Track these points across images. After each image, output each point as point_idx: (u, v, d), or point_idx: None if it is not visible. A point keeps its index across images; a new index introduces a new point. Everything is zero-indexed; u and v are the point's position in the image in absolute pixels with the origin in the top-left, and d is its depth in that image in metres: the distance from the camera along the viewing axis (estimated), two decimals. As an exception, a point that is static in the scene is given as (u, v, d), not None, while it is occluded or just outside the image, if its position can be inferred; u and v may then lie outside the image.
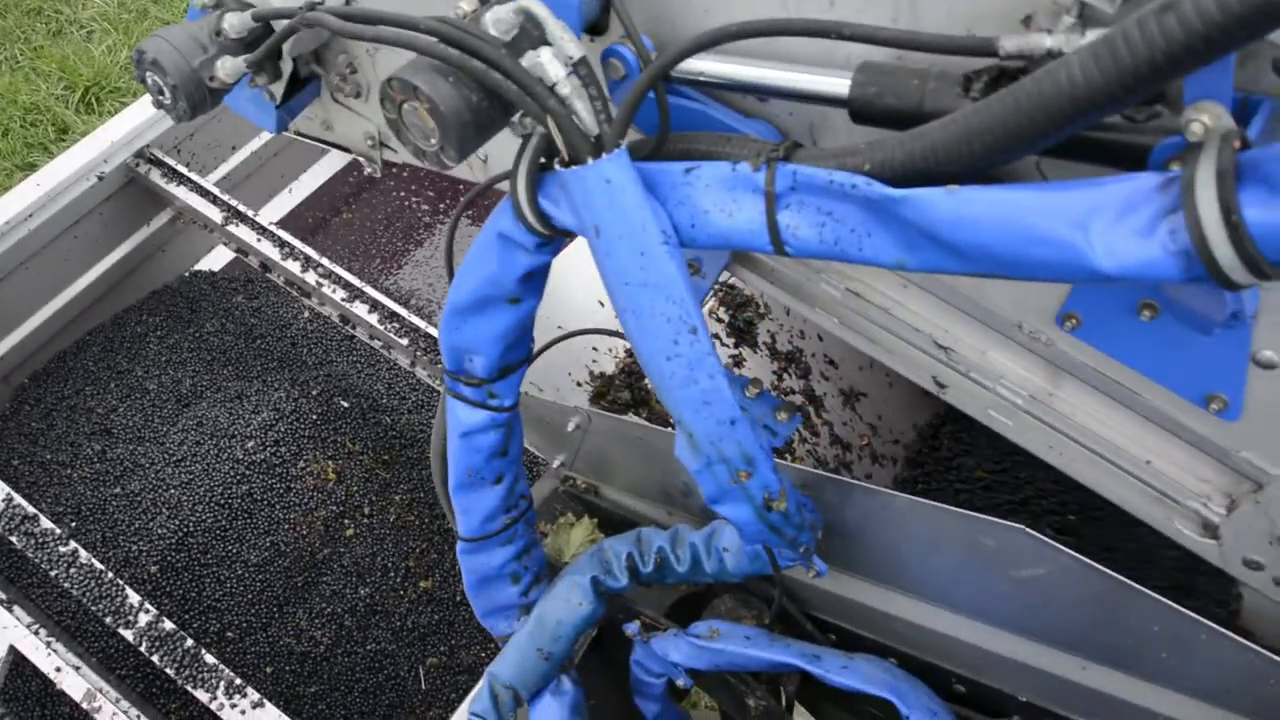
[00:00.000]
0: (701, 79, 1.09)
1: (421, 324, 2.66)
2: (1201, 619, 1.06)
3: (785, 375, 2.52)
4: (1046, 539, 1.21)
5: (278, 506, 2.66)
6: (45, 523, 2.32)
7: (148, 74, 1.46)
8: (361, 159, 1.92)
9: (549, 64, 0.96)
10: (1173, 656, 1.16)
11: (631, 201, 0.98)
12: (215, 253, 3.45)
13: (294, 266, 2.81)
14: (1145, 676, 1.24)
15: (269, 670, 2.55)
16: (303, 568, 2.63)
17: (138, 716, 2.15)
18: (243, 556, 2.60)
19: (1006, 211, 0.80)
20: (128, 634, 2.21)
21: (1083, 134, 0.82)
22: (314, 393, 2.86)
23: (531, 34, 1.00)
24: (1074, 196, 0.77)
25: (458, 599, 2.70)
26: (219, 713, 2.11)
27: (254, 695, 2.11)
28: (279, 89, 1.63)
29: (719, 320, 2.56)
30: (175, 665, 2.16)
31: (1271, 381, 0.93)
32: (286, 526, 2.64)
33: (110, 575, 2.26)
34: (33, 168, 4.38)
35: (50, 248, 2.94)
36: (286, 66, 1.58)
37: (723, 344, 2.55)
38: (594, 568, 1.61)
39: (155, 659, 2.18)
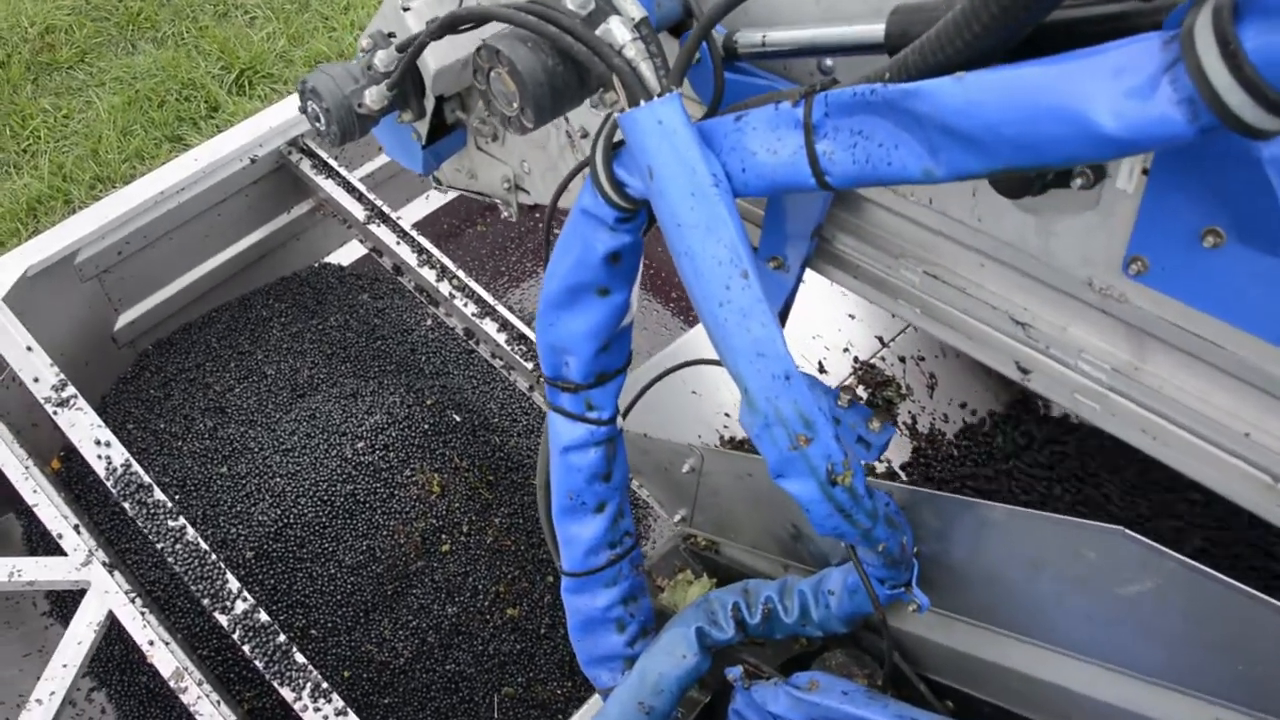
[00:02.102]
0: (756, 50, 1.15)
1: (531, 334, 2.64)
2: None
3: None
4: (1150, 542, 1.13)
5: (379, 512, 2.65)
6: (159, 494, 2.33)
7: (308, 102, 1.60)
8: (499, 203, 2.00)
9: (616, 29, 1.06)
10: None
11: (683, 143, 1.02)
12: (346, 248, 3.49)
13: (429, 274, 2.82)
14: None
15: (346, 675, 2.52)
16: (395, 577, 2.61)
17: (218, 702, 2.13)
18: (338, 556, 2.59)
19: (1012, 87, 0.81)
20: (223, 619, 2.19)
21: (1095, 16, 0.83)
22: (428, 402, 2.85)
23: (605, 10, 1.10)
24: (1077, 65, 0.77)
25: (542, 631, 2.66)
26: (301, 713, 2.08)
27: (338, 702, 2.09)
28: (424, 128, 1.73)
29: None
30: (265, 658, 2.15)
31: None
32: (385, 533, 2.62)
33: (213, 557, 2.25)
34: (180, 140, 4.50)
35: (195, 221, 3.01)
36: (429, 104, 1.68)
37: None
38: (699, 619, 1.56)
39: (246, 648, 2.16)
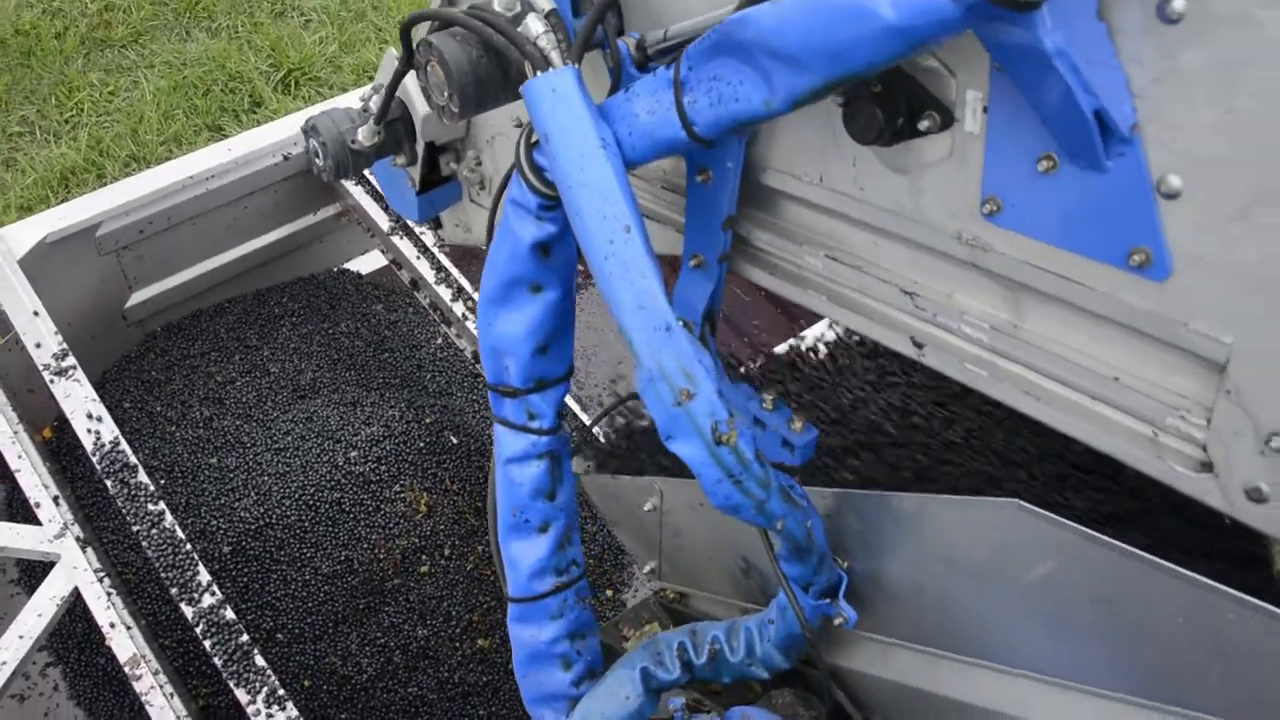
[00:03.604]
0: (662, 46, 1.21)
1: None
2: None
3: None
4: (1043, 512, 1.12)
5: (363, 524, 2.61)
6: (142, 476, 2.31)
7: (310, 139, 1.70)
8: None
9: (532, 23, 1.17)
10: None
11: (574, 108, 1.11)
12: (367, 256, 3.48)
13: (445, 292, 2.81)
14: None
15: (306, 684, 2.48)
16: (369, 591, 2.57)
17: (172, 695, 2.09)
18: (314, 563, 2.56)
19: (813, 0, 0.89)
20: (188, 610, 2.16)
21: None
22: (427, 420, 2.82)
23: (527, 9, 1.21)
24: None
25: (510, 667, 2.60)
26: (252, 717, 2.04)
27: (292, 711, 2.04)
28: (417, 175, 1.81)
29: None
30: (225, 656, 2.11)
31: (1185, 215, 0.86)
32: (365, 546, 2.59)
33: (188, 547, 2.23)
34: (219, 129, 4.53)
35: (220, 211, 3.01)
36: (420, 149, 1.76)
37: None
38: (645, 659, 1.51)
39: (207, 644, 2.13)
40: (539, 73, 1.14)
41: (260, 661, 2.11)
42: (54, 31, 4.94)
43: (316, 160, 1.70)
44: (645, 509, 1.93)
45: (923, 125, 1.01)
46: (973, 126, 0.99)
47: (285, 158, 3.02)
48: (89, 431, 2.36)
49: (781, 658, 1.47)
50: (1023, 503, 1.14)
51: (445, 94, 1.27)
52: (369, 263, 3.46)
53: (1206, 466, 0.94)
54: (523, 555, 1.44)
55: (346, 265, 3.44)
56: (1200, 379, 0.94)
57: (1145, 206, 0.88)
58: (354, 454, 2.70)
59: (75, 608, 2.26)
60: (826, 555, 1.33)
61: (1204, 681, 1.05)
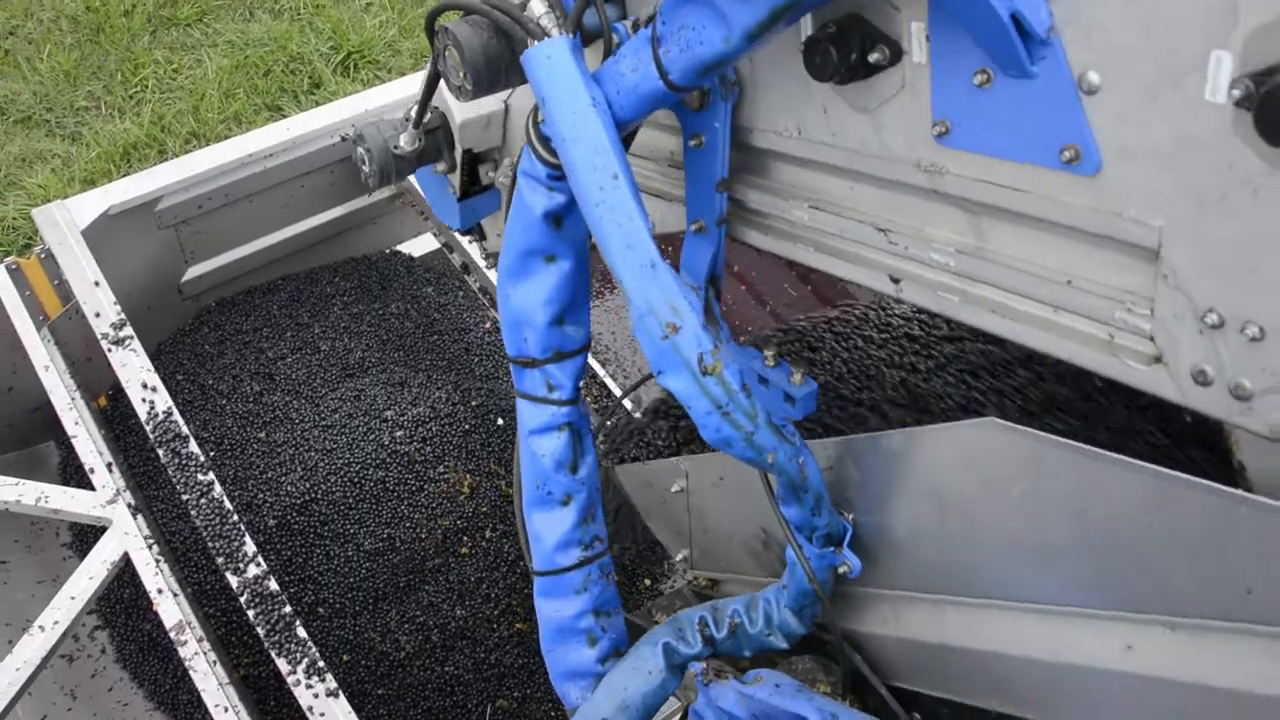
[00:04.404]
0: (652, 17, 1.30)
1: (599, 370, 2.62)
2: None
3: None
4: (1015, 426, 1.17)
5: (406, 503, 2.64)
6: (193, 446, 2.35)
7: (357, 146, 1.79)
8: None
9: (535, 5, 1.26)
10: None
11: (567, 72, 1.22)
12: (419, 239, 3.51)
13: (495, 277, 2.82)
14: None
15: (345, 659, 2.51)
16: (410, 570, 2.60)
17: (215, 663, 2.13)
18: (358, 539, 2.59)
19: None
20: (233, 579, 2.20)
21: None
22: (473, 403, 2.85)
23: None
24: None
25: (546, 651, 2.62)
26: (293, 687, 2.07)
27: (331, 683, 2.07)
28: (457, 181, 1.87)
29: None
30: (267, 626, 2.14)
31: (1106, 108, 0.93)
32: (408, 525, 2.62)
33: (235, 518, 2.26)
34: (278, 109, 4.59)
35: (277, 189, 3.04)
36: (459, 156, 1.83)
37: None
38: (667, 634, 1.53)
39: (251, 613, 2.16)
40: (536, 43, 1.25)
41: (302, 633, 2.14)
42: (123, 9, 5.03)
43: (363, 167, 1.79)
44: (673, 490, 1.97)
45: (873, 58, 1.11)
46: (919, 56, 1.09)
47: (342, 139, 3.03)
48: (143, 401, 2.40)
49: (796, 621, 1.50)
50: (997, 419, 1.20)
51: (460, 74, 1.37)
52: (421, 245, 3.49)
53: (1157, 359, 0.99)
54: (547, 528, 1.49)
55: (399, 247, 3.47)
56: (1141, 271, 1.00)
57: (1070, 105, 0.96)
58: (400, 433, 2.73)
59: (124, 573, 2.31)
60: (824, 497, 1.37)
61: (1182, 583, 1.07)
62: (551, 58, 1.23)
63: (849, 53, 1.12)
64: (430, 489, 2.68)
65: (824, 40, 1.13)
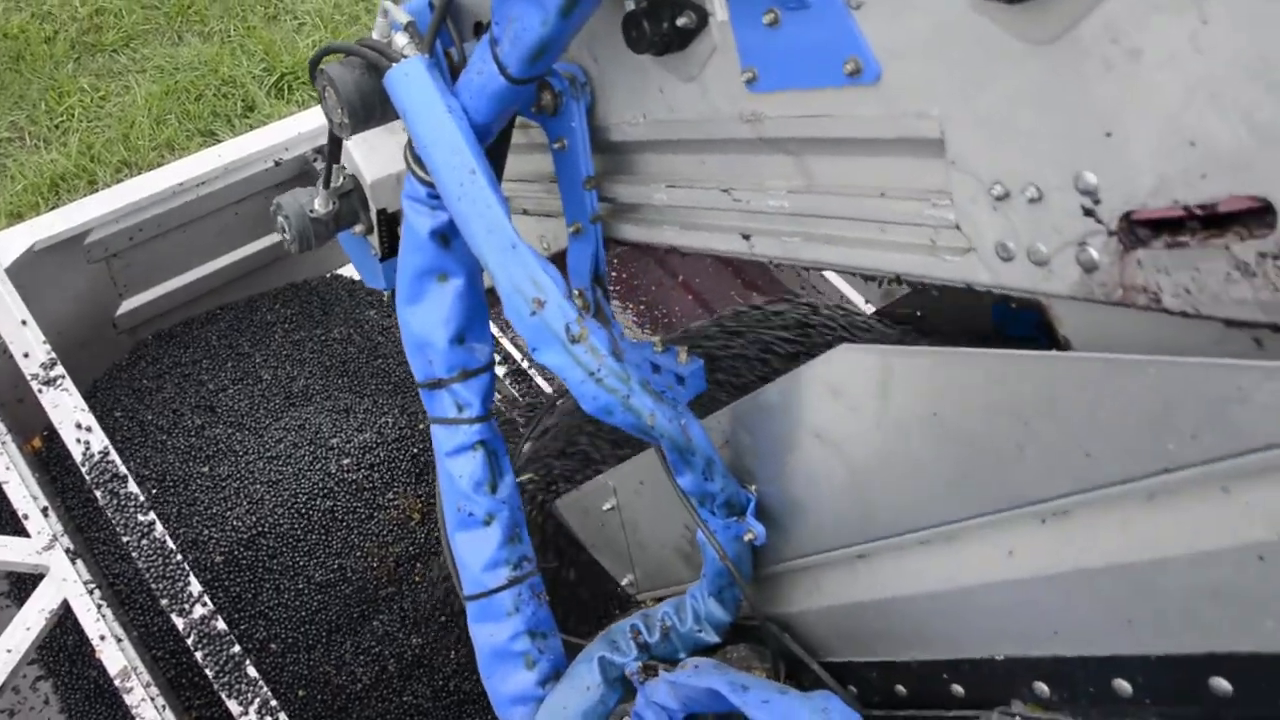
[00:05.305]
0: None
1: (548, 388, 2.59)
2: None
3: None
4: (863, 345, 1.26)
5: (356, 531, 2.60)
6: (132, 486, 2.28)
7: (278, 217, 1.81)
8: None
9: (398, 39, 1.38)
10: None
11: (423, 85, 1.32)
12: (360, 261, 3.45)
13: (438, 297, 2.78)
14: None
15: (300, 694, 2.46)
16: (363, 600, 2.55)
17: (164, 707, 2.06)
18: (308, 571, 2.54)
19: None
20: (179, 621, 2.13)
21: None
22: (421, 426, 2.80)
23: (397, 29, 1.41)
24: None
25: (505, 676, 2.58)
26: (245, 729, 2.01)
27: (285, 722, 2.02)
28: (377, 242, 1.89)
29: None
30: (216, 668, 2.08)
31: (874, 17, 1.02)
32: (359, 554, 2.57)
33: (179, 558, 2.20)
34: (212, 134, 4.51)
35: (211, 217, 2.98)
36: (374, 216, 1.85)
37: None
38: (601, 648, 1.52)
39: (199, 655, 2.10)
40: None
41: (252, 672, 2.08)
42: (44, 36, 4.92)
43: (284, 236, 1.82)
44: (605, 509, 1.97)
45: (681, 22, 1.21)
46: (721, 14, 1.19)
47: (277, 163, 2.97)
48: (78, 441, 2.33)
49: (719, 608, 1.51)
50: (848, 344, 1.27)
51: (339, 111, 1.46)
52: (362, 268, 3.43)
53: (970, 250, 1.05)
54: (471, 551, 1.48)
55: (339, 271, 3.40)
56: (936, 167, 1.06)
57: (844, 22, 1.05)
58: (347, 461, 2.68)
59: (65, 620, 2.23)
60: (715, 461, 1.38)
61: (1031, 464, 1.08)
62: (409, 74, 1.32)
63: (661, 22, 1.22)
64: (380, 516, 2.63)
65: (639, 14, 1.24)
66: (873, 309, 2.62)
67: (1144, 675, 1.08)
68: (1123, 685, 1.11)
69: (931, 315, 1.95)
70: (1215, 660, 1.00)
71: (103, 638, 2.11)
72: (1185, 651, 1.03)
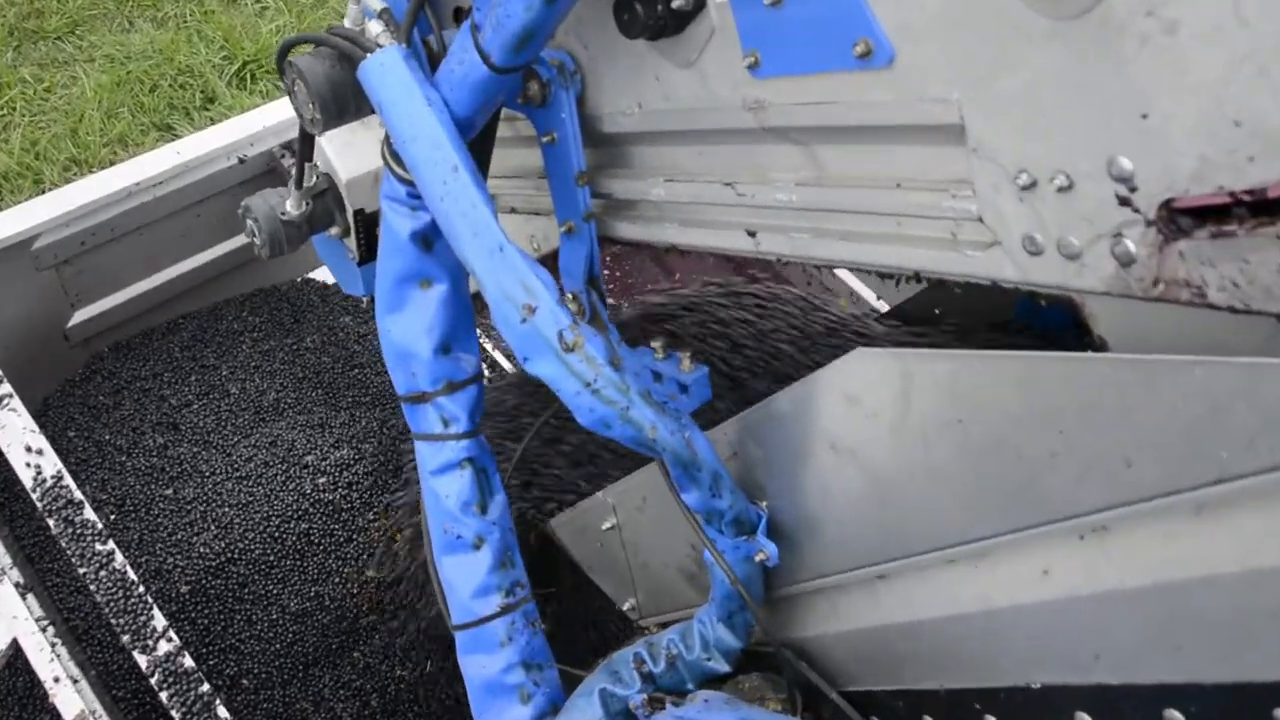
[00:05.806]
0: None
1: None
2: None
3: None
4: (881, 349, 1.21)
5: (333, 556, 2.48)
6: (89, 513, 2.15)
7: (247, 220, 1.73)
8: None
9: (372, 27, 1.32)
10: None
11: (400, 77, 1.26)
12: (331, 264, 3.30)
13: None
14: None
15: (276, 734, 2.30)
16: (342, 630, 2.43)
17: (126, 757, 1.92)
18: (282, 601, 2.41)
19: None
20: (142, 659, 2.02)
21: None
22: (405, 445, 2.67)
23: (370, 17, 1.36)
24: None
25: (496, 707, 2.45)
26: (217, 778, 1.87)
27: (261, 773, 1.87)
28: (354, 245, 1.80)
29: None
30: (184, 709, 1.98)
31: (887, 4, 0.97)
32: (337, 580, 2.45)
33: (141, 589, 2.07)
34: (170, 129, 4.31)
35: (171, 219, 2.85)
36: (350, 216, 1.76)
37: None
38: (603, 680, 1.45)
39: (164, 695, 1.98)
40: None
41: (223, 712, 1.97)
42: (-18, 24, 4.69)
43: (254, 240, 1.73)
44: (605, 529, 1.92)
45: (677, 3, 1.15)
46: None
47: (241, 160, 2.84)
48: (28, 465, 2.19)
49: (729, 634, 1.45)
50: (864, 348, 1.23)
51: (310, 106, 1.39)
52: (333, 271, 3.28)
53: (995, 244, 0.99)
54: (460, 576, 1.42)
55: (311, 275, 3.25)
56: (956, 155, 1.00)
57: (853, 2, 0.99)
58: (322, 480, 2.55)
59: (15, 661, 2.10)
60: (722, 476, 1.33)
61: (1066, 474, 1.03)
62: (385, 65, 1.27)
63: (655, 4, 1.16)
64: (359, 539, 2.51)
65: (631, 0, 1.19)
66: (886, 307, 2.52)
67: (1198, 705, 1.02)
68: (1175, 716, 1.04)
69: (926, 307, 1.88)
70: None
71: (57, 679, 2.02)
72: (1244, 679, 0.96)
